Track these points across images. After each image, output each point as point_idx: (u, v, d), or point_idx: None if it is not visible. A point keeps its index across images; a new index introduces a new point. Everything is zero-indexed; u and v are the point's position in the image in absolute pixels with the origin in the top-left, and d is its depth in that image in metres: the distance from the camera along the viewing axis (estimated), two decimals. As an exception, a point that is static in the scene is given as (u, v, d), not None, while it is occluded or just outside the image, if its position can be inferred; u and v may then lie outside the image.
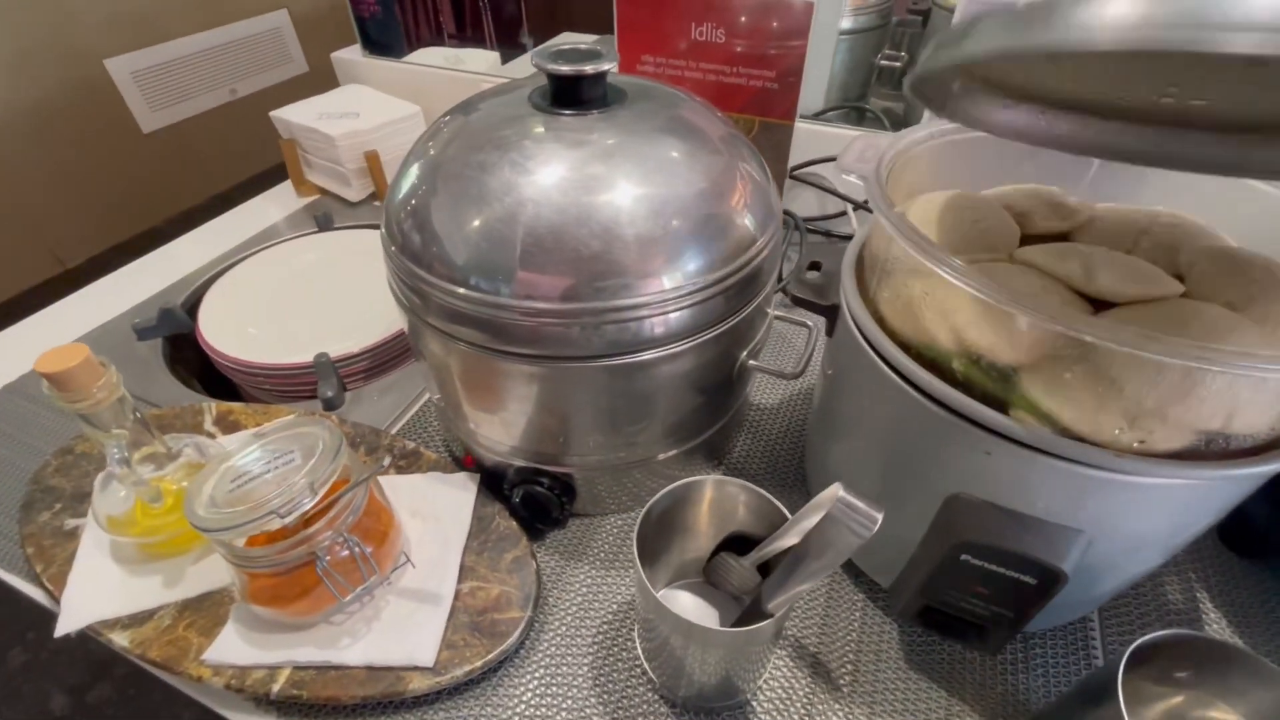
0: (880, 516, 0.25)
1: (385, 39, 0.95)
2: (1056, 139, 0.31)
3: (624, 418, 0.43)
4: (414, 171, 0.40)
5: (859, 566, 0.44)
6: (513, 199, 0.35)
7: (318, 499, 0.35)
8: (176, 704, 1.06)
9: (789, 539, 0.34)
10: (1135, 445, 0.26)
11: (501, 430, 0.45)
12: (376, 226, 0.80)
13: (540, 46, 0.41)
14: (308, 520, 0.36)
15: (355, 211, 0.85)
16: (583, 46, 0.38)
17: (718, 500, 0.38)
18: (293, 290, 0.69)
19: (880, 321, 0.33)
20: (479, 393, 0.43)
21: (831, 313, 0.39)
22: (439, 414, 0.52)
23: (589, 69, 0.37)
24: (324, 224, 0.80)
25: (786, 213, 0.75)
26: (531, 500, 0.45)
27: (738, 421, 0.53)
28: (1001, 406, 0.28)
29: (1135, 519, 0.29)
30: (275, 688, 0.37)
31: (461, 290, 0.36)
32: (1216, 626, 0.41)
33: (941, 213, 0.36)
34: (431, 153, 0.40)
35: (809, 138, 0.74)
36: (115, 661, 1.12)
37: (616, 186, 0.35)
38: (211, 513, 0.35)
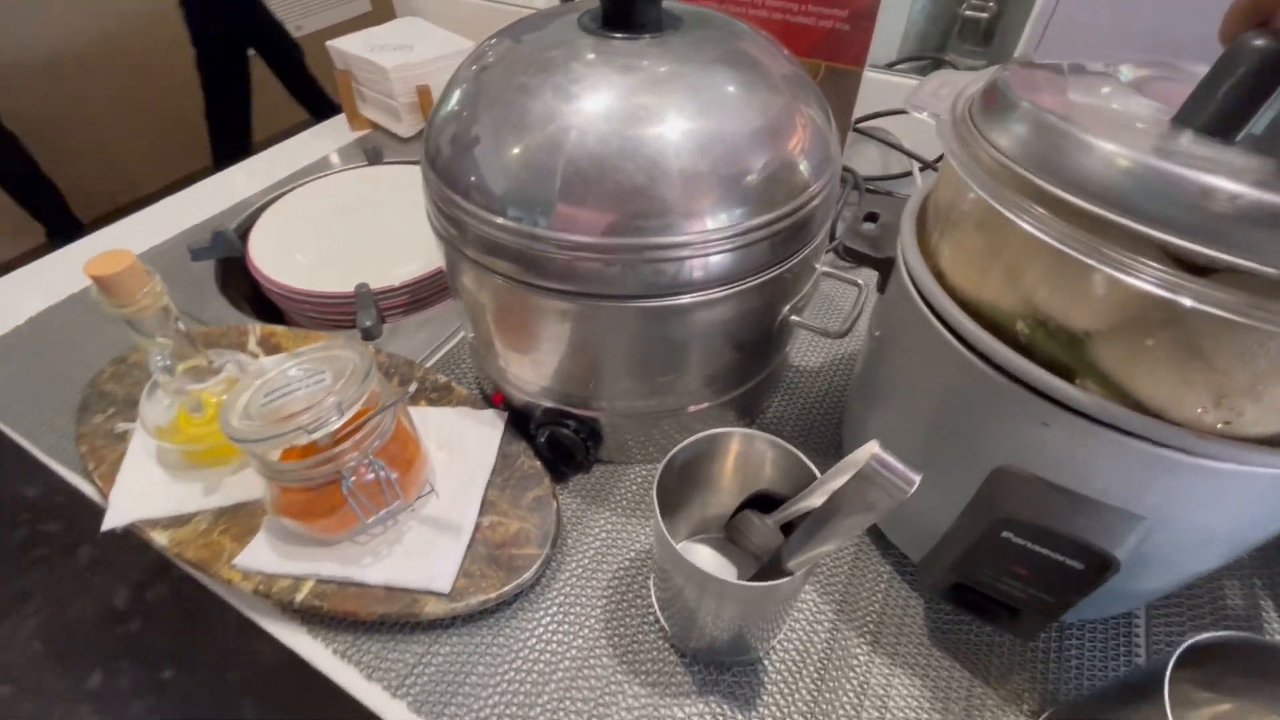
0: (918, 479, 0.23)
1: (443, -30, 0.92)
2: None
3: (656, 365, 0.41)
4: (456, 95, 0.38)
5: (889, 539, 0.42)
6: (555, 126, 0.33)
7: (345, 419, 0.35)
8: (226, 609, 1.14)
9: (815, 499, 0.32)
10: (1219, 426, 0.23)
11: (531, 369, 0.44)
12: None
13: (595, -33, 0.38)
14: (336, 440, 0.36)
15: (405, 147, 0.84)
16: (639, -35, 0.36)
17: (744, 455, 0.37)
18: (339, 221, 0.69)
19: (939, 278, 0.31)
20: (511, 329, 0.42)
21: (885, 266, 0.36)
22: (472, 351, 0.52)
23: (643, -13, 0.34)
24: (373, 158, 0.80)
25: (845, 169, 0.71)
26: (557, 443, 0.44)
27: (775, 380, 0.52)
28: (1066, 375, 0.25)
29: (1207, 509, 0.26)
30: (299, 597, 0.38)
31: (499, 220, 0.35)
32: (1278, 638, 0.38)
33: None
34: (475, 76, 0.38)
35: (878, 89, 0.69)
36: (173, 564, 1.20)
37: (665, 118, 0.33)
38: (244, 424, 0.35)
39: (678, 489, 0.37)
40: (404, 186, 0.74)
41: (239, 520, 0.42)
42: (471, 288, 0.41)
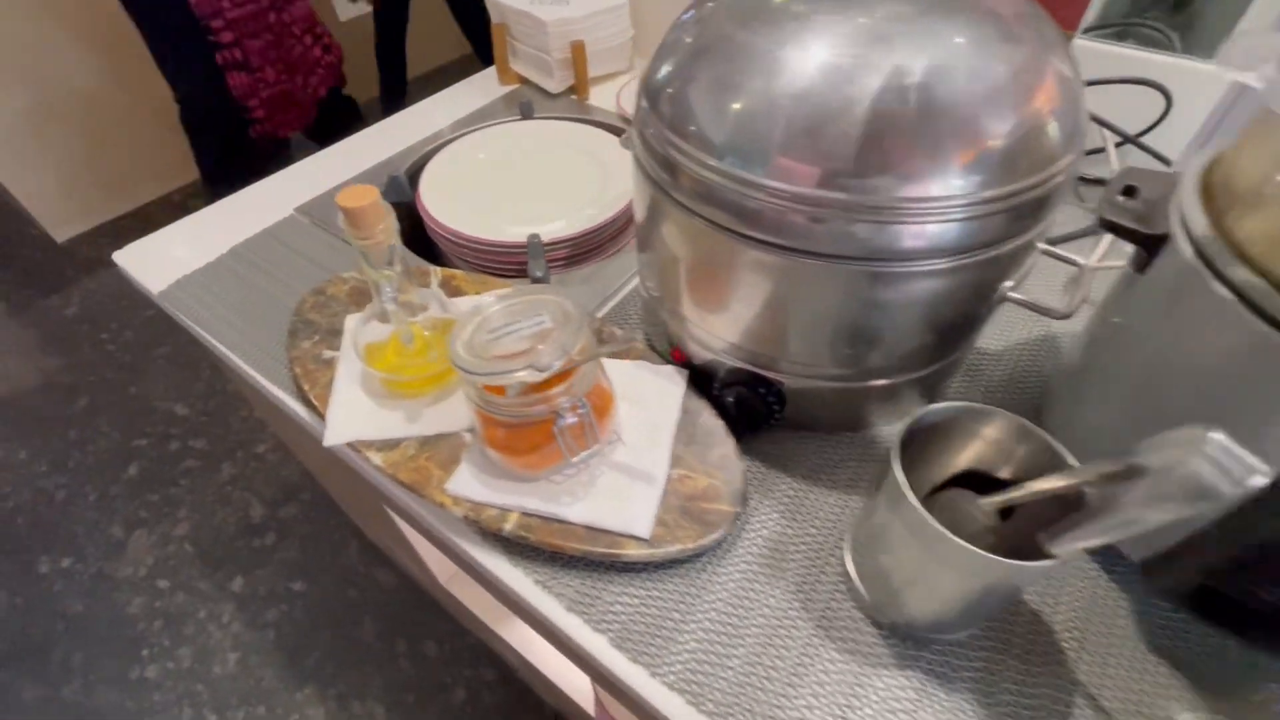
0: (1273, 472, 0.21)
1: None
2: None
3: (855, 333, 0.40)
4: (682, 33, 0.38)
5: (1095, 534, 0.40)
6: (780, 71, 0.33)
7: (567, 359, 0.36)
8: (346, 530, 1.23)
9: (1053, 482, 0.31)
10: None
11: (721, 326, 0.44)
12: (577, 119, 0.81)
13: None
14: (551, 381, 0.38)
15: (553, 104, 0.85)
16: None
17: (976, 432, 0.35)
18: (498, 173, 0.71)
19: (1244, 260, 0.28)
20: (707, 282, 0.42)
21: (1152, 244, 0.34)
22: (645, 306, 0.53)
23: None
24: (526, 112, 0.81)
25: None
26: (743, 404, 0.44)
27: (962, 361, 0.49)
28: None
29: None
30: (506, 526, 0.40)
31: (716, 164, 0.35)
32: None
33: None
34: (702, 17, 0.37)
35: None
36: (302, 487, 1.31)
37: (902, 69, 0.31)
38: (472, 356, 0.37)
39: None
40: (558, 142, 0.75)
41: (440, 449, 0.45)
42: (673, 236, 0.41)
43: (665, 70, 0.38)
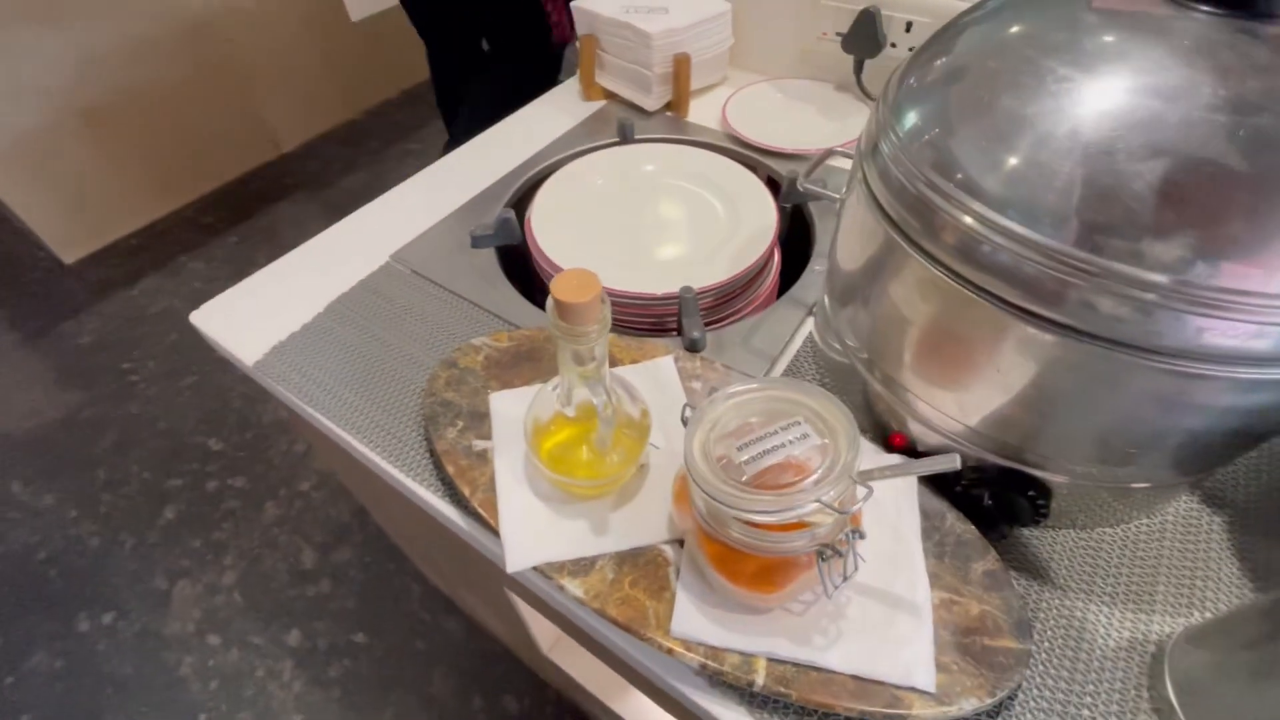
0: None
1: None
2: None
3: (1157, 437, 0.33)
4: (956, 48, 0.31)
5: None
6: (1108, 112, 0.26)
7: (868, 495, 0.29)
8: (406, 576, 1.16)
9: None
10: None
11: (967, 409, 0.37)
12: (684, 140, 0.73)
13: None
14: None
15: (649, 122, 0.77)
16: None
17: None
18: (619, 208, 0.63)
19: None
20: (953, 355, 0.35)
21: None
22: (834, 370, 0.46)
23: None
24: (626, 134, 0.73)
25: None
26: (1004, 505, 0.37)
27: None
28: None
29: None
30: (757, 679, 0.33)
31: (992, 215, 0.28)
32: None
33: None
34: (990, 28, 0.31)
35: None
36: (353, 528, 1.23)
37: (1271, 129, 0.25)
38: (741, 491, 0.30)
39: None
40: (672, 169, 0.67)
41: (641, 569, 0.37)
42: (910, 295, 0.35)
43: (929, 91, 0.32)
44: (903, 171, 0.33)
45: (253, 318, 0.57)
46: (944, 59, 0.34)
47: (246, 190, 2.02)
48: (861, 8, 0.69)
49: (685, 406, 0.36)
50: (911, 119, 0.33)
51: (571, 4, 0.78)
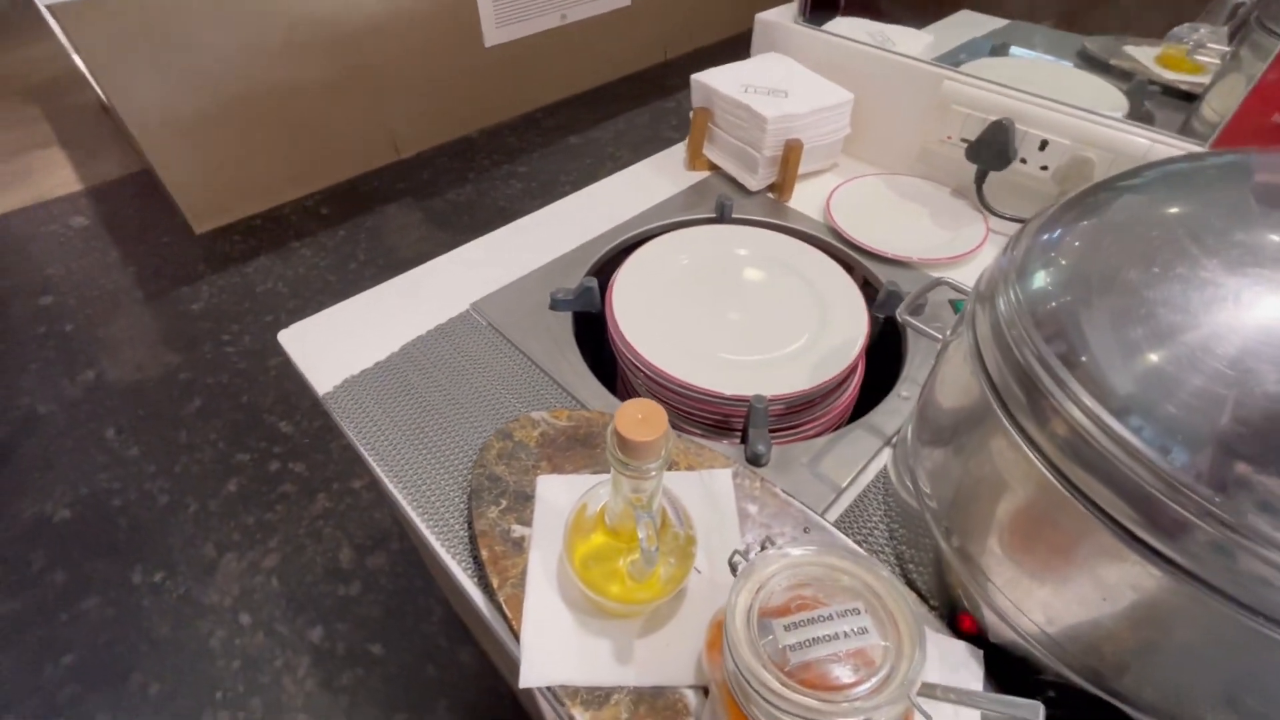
0: None
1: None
2: None
3: (1228, 687, 0.28)
4: (1104, 215, 0.29)
5: None
6: (1255, 327, 0.22)
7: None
8: (431, 597, 1.16)
9: None
10: None
11: (1050, 613, 0.32)
12: (777, 227, 0.71)
13: None
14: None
15: (749, 201, 0.76)
16: None
17: None
18: (705, 292, 0.62)
19: None
20: (1047, 556, 0.31)
21: None
22: (904, 514, 0.42)
23: None
24: (724, 213, 0.72)
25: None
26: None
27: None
28: None
29: None
30: None
31: (1105, 417, 0.25)
32: None
33: None
34: (1146, 199, 0.28)
35: None
36: (391, 535, 1.25)
37: None
38: (781, 684, 0.27)
39: None
40: (761, 256, 0.65)
41: (659, 713, 0.35)
42: (999, 470, 0.31)
43: (1065, 252, 0.29)
44: (1015, 336, 0.29)
45: (333, 345, 0.59)
46: (1090, 221, 0.31)
47: (361, 189, 2.16)
48: (995, 118, 0.65)
49: (734, 553, 0.33)
50: (1040, 279, 0.30)
51: (692, 76, 0.78)
